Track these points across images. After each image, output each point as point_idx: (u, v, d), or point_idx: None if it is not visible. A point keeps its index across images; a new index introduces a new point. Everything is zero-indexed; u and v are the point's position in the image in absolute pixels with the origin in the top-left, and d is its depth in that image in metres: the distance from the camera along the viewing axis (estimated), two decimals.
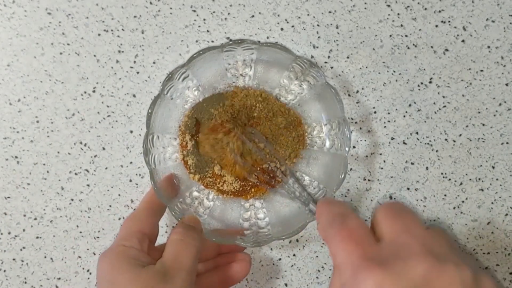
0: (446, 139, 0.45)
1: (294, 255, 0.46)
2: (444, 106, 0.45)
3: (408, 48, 0.44)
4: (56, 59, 0.45)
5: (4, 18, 0.45)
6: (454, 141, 0.45)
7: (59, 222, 0.46)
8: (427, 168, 0.45)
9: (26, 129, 0.46)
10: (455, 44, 0.44)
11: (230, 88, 0.43)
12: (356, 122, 0.45)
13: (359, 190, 0.45)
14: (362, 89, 0.45)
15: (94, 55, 0.45)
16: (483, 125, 0.44)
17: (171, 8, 0.45)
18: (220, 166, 0.42)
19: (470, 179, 0.45)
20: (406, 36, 0.44)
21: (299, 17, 0.45)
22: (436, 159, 0.45)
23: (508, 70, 0.44)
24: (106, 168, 0.46)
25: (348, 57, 0.45)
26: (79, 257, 0.46)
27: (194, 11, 0.45)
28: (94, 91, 0.45)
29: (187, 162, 0.42)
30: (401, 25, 0.44)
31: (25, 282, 0.46)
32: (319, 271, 0.46)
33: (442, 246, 0.26)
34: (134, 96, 0.45)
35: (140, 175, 0.46)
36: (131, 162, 0.46)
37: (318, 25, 0.45)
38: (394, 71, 0.44)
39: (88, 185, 0.46)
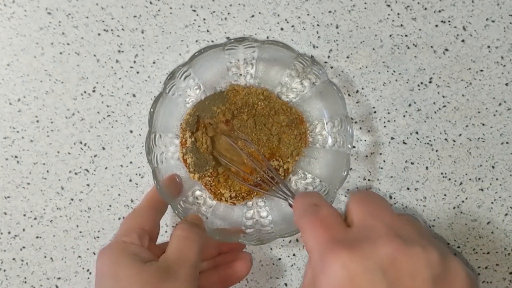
0: (446, 139, 0.45)
1: (294, 255, 0.46)
2: (444, 106, 0.45)
3: (408, 48, 0.44)
4: (56, 59, 0.45)
5: (4, 18, 0.45)
6: (454, 141, 0.45)
7: (59, 222, 0.46)
8: (427, 168, 0.45)
9: (26, 128, 0.46)
10: (455, 44, 0.44)
11: (231, 87, 0.43)
12: (356, 122, 0.45)
13: (359, 190, 0.45)
14: (362, 89, 0.45)
15: (94, 55, 0.45)
16: (483, 125, 0.44)
17: (171, 8, 0.45)
18: (229, 167, 0.42)
19: (470, 179, 0.45)
20: (406, 36, 0.44)
21: (299, 17, 0.45)
22: (436, 159, 0.45)
23: (508, 70, 0.44)
24: (106, 168, 0.46)
25: (348, 57, 0.45)
26: (79, 257, 0.46)
27: (194, 11, 0.45)
28: (94, 91, 0.45)
29: (186, 160, 0.42)
30: (401, 25, 0.44)
31: (25, 282, 0.46)
32: None
33: (410, 230, 0.26)
34: (134, 96, 0.45)
35: (140, 175, 0.46)
36: (131, 162, 0.46)
37: (318, 25, 0.45)
38: (394, 71, 0.44)
39: (88, 185, 0.46)
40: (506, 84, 0.44)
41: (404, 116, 0.45)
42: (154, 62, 0.45)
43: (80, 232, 0.46)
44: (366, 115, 0.45)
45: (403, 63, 0.44)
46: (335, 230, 0.26)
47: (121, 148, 0.46)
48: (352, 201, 0.29)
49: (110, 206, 0.46)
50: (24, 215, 0.46)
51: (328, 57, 0.45)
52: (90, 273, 0.47)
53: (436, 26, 0.44)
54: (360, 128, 0.45)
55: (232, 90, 0.43)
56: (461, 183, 0.45)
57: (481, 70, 0.44)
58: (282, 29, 0.45)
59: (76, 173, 0.46)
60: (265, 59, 0.42)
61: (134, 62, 0.45)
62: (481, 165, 0.45)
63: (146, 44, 0.45)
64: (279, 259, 0.46)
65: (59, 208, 0.46)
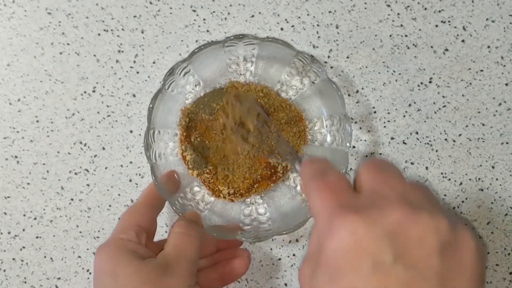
0: (446, 139, 0.45)
1: (294, 255, 0.46)
2: (444, 106, 0.45)
3: (408, 48, 0.44)
4: (56, 59, 0.45)
5: (4, 18, 0.45)
6: (454, 141, 0.45)
7: (59, 222, 0.46)
8: (427, 168, 0.45)
9: (26, 129, 0.46)
10: (455, 44, 0.44)
11: (231, 84, 0.43)
12: (356, 122, 0.45)
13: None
14: (362, 89, 0.45)
15: (94, 55, 0.45)
16: (483, 125, 0.44)
17: (171, 8, 0.45)
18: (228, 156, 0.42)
19: (470, 179, 0.45)
20: (406, 36, 0.44)
21: (299, 17, 0.45)
22: (436, 159, 0.45)
23: (508, 70, 0.44)
24: (106, 168, 0.46)
25: (348, 57, 0.45)
26: (79, 257, 0.46)
27: (194, 11, 0.45)
28: (94, 91, 0.45)
29: (185, 157, 0.42)
30: (401, 25, 0.44)
31: (25, 282, 0.46)
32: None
33: (420, 197, 0.25)
34: (134, 96, 0.45)
35: (140, 175, 0.46)
36: (131, 162, 0.46)
37: (318, 25, 0.45)
38: (394, 71, 0.44)
39: (88, 185, 0.46)
40: (506, 84, 0.44)
41: (404, 116, 0.45)
42: (154, 62, 0.45)
43: (80, 232, 0.46)
44: (366, 115, 0.45)
45: (403, 63, 0.44)
46: (343, 195, 0.26)
47: (121, 148, 0.46)
48: (362, 167, 0.28)
49: (110, 206, 0.46)
50: (24, 215, 0.46)
51: (328, 57, 0.45)
52: (90, 273, 0.47)
53: (436, 26, 0.44)
54: (360, 128, 0.45)
55: (232, 87, 0.43)
56: (461, 183, 0.45)
57: (481, 70, 0.44)
58: (282, 29, 0.45)
59: (76, 173, 0.46)
60: (265, 57, 0.42)
61: (134, 62, 0.45)
62: (481, 165, 0.45)
63: (146, 44, 0.45)
64: (279, 259, 0.46)
65: (59, 208, 0.46)
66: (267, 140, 0.41)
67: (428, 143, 0.45)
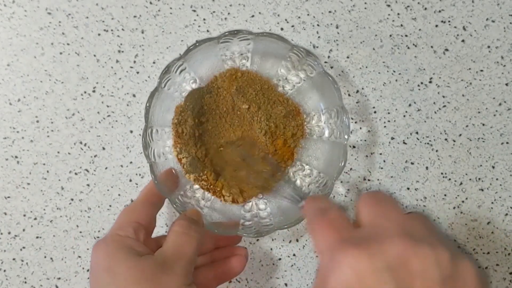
0: (446, 139, 0.45)
1: (294, 255, 0.46)
2: (444, 106, 0.45)
3: (408, 48, 0.44)
4: (56, 59, 0.45)
5: (4, 18, 0.45)
6: (454, 141, 0.45)
7: (59, 222, 0.46)
8: (427, 168, 0.45)
9: (26, 129, 0.46)
10: (455, 44, 0.44)
11: (233, 70, 0.43)
12: (356, 122, 0.45)
13: (359, 190, 0.45)
14: (362, 89, 0.45)
15: (94, 55, 0.45)
16: (483, 125, 0.44)
17: (171, 8, 0.45)
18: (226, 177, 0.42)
19: (470, 179, 0.45)
20: (406, 36, 0.44)
21: (299, 17, 0.45)
22: (436, 159, 0.45)
23: (508, 70, 0.44)
24: (106, 168, 0.46)
25: (348, 57, 0.45)
26: (79, 257, 0.46)
27: (194, 11, 0.45)
28: (94, 91, 0.45)
29: (181, 160, 0.42)
30: (401, 25, 0.44)
31: (25, 282, 0.46)
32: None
33: (420, 229, 0.26)
34: (134, 96, 0.45)
35: (140, 175, 0.46)
36: (131, 162, 0.46)
37: (318, 25, 0.45)
38: (394, 71, 0.44)
39: (88, 185, 0.46)
40: (506, 84, 0.44)
41: (404, 116, 0.45)
42: (154, 62, 0.45)
43: (80, 232, 0.46)
44: (366, 115, 0.45)
45: (403, 63, 0.44)
46: (344, 230, 0.27)
47: (121, 148, 0.46)
48: (360, 201, 0.29)
49: (110, 206, 0.46)
50: (24, 215, 0.46)
51: (328, 57, 0.45)
52: None
53: (436, 26, 0.44)
54: (360, 128, 0.45)
55: (233, 73, 0.43)
56: (461, 183, 0.45)
57: (481, 70, 0.44)
58: (282, 29, 0.45)
59: (76, 173, 0.46)
60: (260, 52, 0.42)
61: (134, 62, 0.45)
62: (481, 165, 0.45)
63: (146, 44, 0.45)
64: (279, 259, 0.46)
65: (59, 208, 0.46)
66: (269, 178, 0.41)
67: (428, 143, 0.45)
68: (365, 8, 0.44)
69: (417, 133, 0.45)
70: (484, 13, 0.44)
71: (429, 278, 0.23)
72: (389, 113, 0.45)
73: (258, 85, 0.42)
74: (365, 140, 0.45)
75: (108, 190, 0.46)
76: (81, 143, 0.46)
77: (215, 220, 0.41)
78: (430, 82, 0.44)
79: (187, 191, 0.42)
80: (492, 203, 0.45)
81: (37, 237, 0.46)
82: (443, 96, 0.44)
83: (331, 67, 0.45)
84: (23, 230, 0.46)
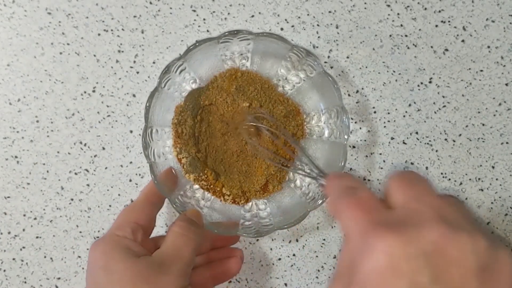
0: (446, 139, 0.45)
1: (294, 255, 0.46)
2: (444, 106, 0.45)
3: (408, 48, 0.44)
4: (56, 59, 0.45)
5: (4, 18, 0.45)
6: (454, 141, 0.45)
7: (59, 222, 0.46)
8: (427, 168, 0.45)
9: (26, 129, 0.46)
10: (455, 44, 0.44)
11: (233, 70, 0.43)
12: (356, 122, 0.45)
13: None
14: (362, 89, 0.45)
15: (94, 55, 0.45)
16: (483, 125, 0.44)
17: (171, 8, 0.45)
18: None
19: (470, 179, 0.45)
20: (406, 36, 0.44)
21: (299, 17, 0.45)
22: (436, 159, 0.45)
23: (508, 70, 0.44)
24: (106, 168, 0.46)
25: (348, 57, 0.45)
26: (79, 257, 0.46)
27: (194, 11, 0.45)
28: (94, 91, 0.45)
29: (181, 160, 0.42)
30: (401, 25, 0.44)
31: (25, 282, 0.46)
32: (318, 271, 0.46)
33: (456, 214, 0.25)
34: (134, 96, 0.45)
35: (140, 175, 0.46)
36: (131, 162, 0.46)
37: (318, 25, 0.45)
38: (394, 71, 0.44)
39: (88, 185, 0.46)
40: (506, 84, 0.44)
41: (404, 116, 0.45)
42: (154, 62, 0.45)
43: (80, 232, 0.46)
44: (366, 115, 0.45)
45: (403, 63, 0.44)
46: (376, 212, 0.25)
47: (121, 148, 0.46)
48: (391, 182, 0.27)
49: (110, 206, 0.46)
50: (24, 215, 0.46)
51: (328, 57, 0.45)
52: None
53: (436, 26, 0.44)
54: (360, 128, 0.45)
55: (233, 73, 0.43)
56: (461, 183, 0.45)
57: (481, 70, 0.44)
58: (282, 29, 0.45)
59: (76, 173, 0.46)
60: (260, 52, 0.42)
61: (134, 62, 0.45)
62: (481, 165, 0.45)
63: (146, 44, 0.45)
64: (279, 259, 0.46)
65: (59, 208, 0.46)
66: (285, 152, 0.41)
67: (428, 143, 0.45)
68: (365, 8, 0.44)
69: (417, 133, 0.45)
70: (484, 13, 0.44)
71: (466, 266, 0.22)
72: (389, 113, 0.45)
73: (258, 85, 0.42)
74: (365, 140, 0.45)
75: (108, 190, 0.46)
76: (81, 143, 0.46)
77: (215, 220, 0.41)
78: (430, 82, 0.44)
79: (187, 191, 0.42)
80: (492, 203, 0.45)
81: (37, 237, 0.46)
82: (443, 96, 0.44)
83: (331, 67, 0.45)
84: (23, 230, 0.46)
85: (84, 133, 0.46)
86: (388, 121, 0.45)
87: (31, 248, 0.46)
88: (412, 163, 0.45)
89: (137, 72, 0.45)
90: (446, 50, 0.44)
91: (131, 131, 0.45)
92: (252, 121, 0.41)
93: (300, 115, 0.43)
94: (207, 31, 0.45)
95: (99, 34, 0.45)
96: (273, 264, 0.46)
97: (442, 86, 0.44)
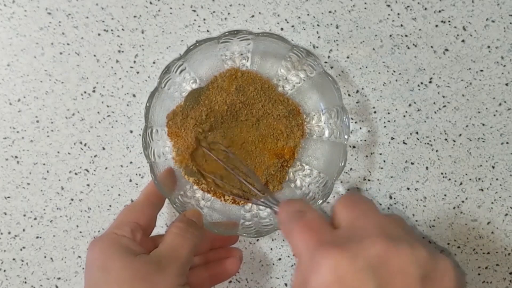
0: (446, 139, 0.45)
1: (294, 255, 0.46)
2: (444, 106, 0.45)
3: (408, 48, 0.44)
4: (56, 59, 0.45)
5: (4, 18, 0.45)
6: (454, 141, 0.45)
7: (59, 222, 0.46)
8: (427, 168, 0.45)
9: (26, 129, 0.46)
10: (455, 44, 0.44)
11: (233, 70, 0.43)
12: (356, 122, 0.45)
13: (359, 190, 0.45)
14: (362, 89, 0.45)
15: (94, 55, 0.45)
16: (483, 125, 0.44)
17: (171, 8, 0.45)
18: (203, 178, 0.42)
19: (470, 179, 0.45)
20: (406, 36, 0.44)
21: (299, 17, 0.45)
22: (436, 159, 0.45)
23: (508, 70, 0.44)
24: (106, 168, 0.46)
25: (348, 57, 0.45)
26: (79, 257, 0.46)
27: (194, 11, 0.45)
28: (94, 91, 0.45)
29: (176, 163, 0.42)
30: (401, 25, 0.44)
31: (25, 282, 0.46)
32: None
33: (397, 229, 0.26)
34: (134, 96, 0.45)
35: (140, 175, 0.46)
36: (131, 162, 0.46)
37: (318, 25, 0.45)
38: (394, 71, 0.44)
39: (88, 185, 0.46)
40: (506, 84, 0.44)
41: (404, 116, 0.45)
42: (154, 62, 0.45)
43: (80, 232, 0.46)
44: (366, 115, 0.45)
45: (403, 63, 0.44)
46: (322, 232, 0.27)
47: (121, 148, 0.46)
48: (338, 203, 0.29)
49: (110, 206, 0.46)
50: (24, 215, 0.46)
51: (328, 57, 0.45)
52: None
53: (436, 26, 0.44)
54: (360, 128, 0.45)
55: (233, 73, 0.43)
56: (461, 183, 0.45)
57: (481, 70, 0.44)
58: (282, 29, 0.45)
59: (76, 173, 0.46)
60: (260, 52, 0.42)
61: (134, 62, 0.45)
62: (481, 165, 0.45)
63: (146, 44, 0.45)
64: (279, 259, 0.46)
65: (59, 208, 0.46)
66: (238, 182, 0.41)
67: (428, 143, 0.45)
68: (365, 8, 0.44)
69: (417, 133, 0.45)
70: (484, 13, 0.44)
71: (409, 275, 0.23)
72: (389, 113, 0.45)
73: (258, 85, 0.42)
74: (365, 140, 0.45)
75: (108, 190, 0.46)
76: (81, 143, 0.46)
77: (215, 220, 0.41)
78: (430, 82, 0.44)
79: (187, 191, 0.42)
80: (492, 203, 0.45)
81: (37, 237, 0.46)
82: (443, 96, 0.44)
83: (331, 67, 0.45)
84: (23, 230, 0.46)
85: (84, 133, 0.46)
86: (388, 121, 0.45)
87: (31, 248, 0.46)
88: (412, 163, 0.45)
89: (137, 72, 0.45)
90: (446, 50, 0.44)
91: (131, 131, 0.45)
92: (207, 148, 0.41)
93: (300, 115, 0.43)
94: (207, 31, 0.45)
95: (99, 34, 0.45)
96: (273, 264, 0.46)
97: (442, 86, 0.44)
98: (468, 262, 0.45)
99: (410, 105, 0.45)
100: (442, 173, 0.45)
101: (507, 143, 0.44)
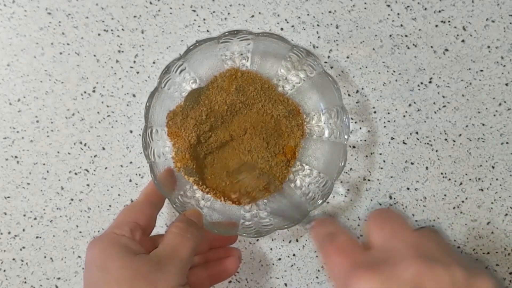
0: (446, 139, 0.45)
1: (294, 255, 0.46)
2: (444, 106, 0.45)
3: (408, 48, 0.44)
4: (56, 59, 0.45)
5: (4, 18, 0.45)
6: (454, 141, 0.45)
7: (59, 222, 0.46)
8: (427, 168, 0.45)
9: (26, 129, 0.46)
10: (455, 44, 0.44)
11: (233, 70, 0.43)
12: (356, 122, 0.45)
13: (359, 190, 0.45)
14: (362, 89, 0.45)
15: (94, 55, 0.45)
16: (483, 125, 0.44)
17: (171, 8, 0.45)
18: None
19: (470, 179, 0.45)
20: (406, 36, 0.44)
21: (299, 17, 0.45)
22: (436, 159, 0.45)
23: (508, 70, 0.44)
24: (106, 168, 0.46)
25: (348, 57, 0.45)
26: (79, 257, 0.46)
27: (194, 11, 0.45)
28: (94, 91, 0.45)
29: (177, 164, 0.42)
30: (401, 25, 0.44)
31: (25, 282, 0.46)
32: (319, 271, 0.46)
33: (432, 247, 0.26)
34: (134, 96, 0.45)
35: (140, 175, 0.46)
36: (131, 162, 0.46)
37: (318, 25, 0.45)
38: (394, 71, 0.44)
39: (88, 185, 0.46)
40: (506, 84, 0.44)
41: (404, 116, 0.45)
42: (154, 62, 0.45)
43: (80, 232, 0.46)
44: (366, 115, 0.45)
45: (403, 63, 0.44)
46: (355, 255, 0.27)
47: (121, 148, 0.46)
48: (368, 222, 0.29)
49: (110, 206, 0.46)
50: (24, 215, 0.46)
51: (328, 57, 0.45)
52: None
53: (436, 26, 0.44)
54: (360, 128, 0.45)
55: (233, 73, 0.43)
56: (461, 183, 0.45)
57: (481, 70, 0.44)
58: (282, 29, 0.45)
59: (76, 173, 0.46)
60: (260, 52, 0.42)
61: (134, 62, 0.45)
62: (481, 165, 0.45)
63: (146, 44, 0.45)
64: (279, 259, 0.46)
65: (59, 208, 0.46)
66: (274, 200, 0.41)
67: (428, 143, 0.45)
68: (365, 8, 0.44)
69: (417, 133, 0.45)
70: (484, 13, 0.44)
71: None
72: (389, 113, 0.45)
73: (258, 85, 0.42)
74: (365, 140, 0.45)
75: (108, 190, 0.46)
76: (81, 143, 0.46)
77: (215, 220, 0.41)
78: (430, 82, 0.44)
79: (187, 191, 0.42)
80: (492, 203, 0.45)
81: (37, 237, 0.46)
82: (443, 96, 0.44)
83: (331, 67, 0.45)
84: (23, 230, 0.46)
85: (84, 133, 0.46)
86: (388, 121, 0.45)
87: (31, 248, 0.46)
88: (412, 163, 0.45)
89: (137, 72, 0.45)
90: (446, 50, 0.44)
91: (131, 131, 0.45)
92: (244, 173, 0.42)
93: (300, 115, 0.43)
94: (207, 31, 0.45)
95: (99, 34, 0.45)
96: (273, 264, 0.46)
97: (442, 86, 0.44)
98: (496, 276, 0.45)
99: (410, 105, 0.45)
100: (442, 173, 0.45)
101: (507, 143, 0.44)
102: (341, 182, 0.45)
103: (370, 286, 0.23)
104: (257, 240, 0.46)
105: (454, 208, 0.45)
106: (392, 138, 0.45)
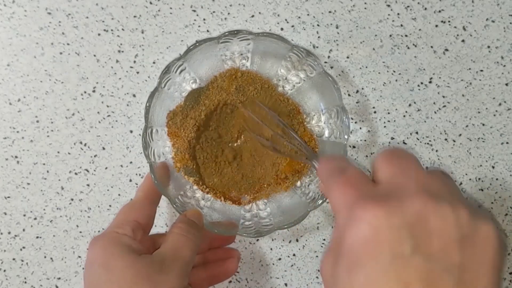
0: (446, 139, 0.45)
1: (294, 255, 0.46)
2: (444, 106, 0.45)
3: (408, 48, 0.44)
4: (56, 59, 0.45)
5: (4, 18, 0.45)
6: (454, 141, 0.45)
7: (59, 222, 0.46)
8: (427, 168, 0.45)
9: (26, 129, 0.46)
10: (455, 44, 0.44)
11: (233, 70, 0.43)
12: (356, 122, 0.45)
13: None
14: (362, 89, 0.45)
15: (94, 55, 0.45)
16: (483, 125, 0.44)
17: (171, 8, 0.45)
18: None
19: (470, 179, 0.45)
20: (406, 36, 0.44)
21: (299, 17, 0.45)
22: (436, 159, 0.45)
23: (508, 70, 0.44)
24: (106, 168, 0.46)
25: (348, 57, 0.45)
26: (79, 257, 0.46)
27: (194, 11, 0.45)
28: (94, 91, 0.45)
29: (176, 164, 0.42)
30: (401, 25, 0.44)
31: (25, 282, 0.46)
32: (319, 271, 0.46)
33: (440, 187, 0.25)
34: (134, 96, 0.45)
35: (140, 175, 0.46)
36: (131, 162, 0.46)
37: (318, 25, 0.45)
38: (394, 71, 0.44)
39: (88, 185, 0.46)
40: (506, 84, 0.44)
41: (404, 116, 0.45)
42: (154, 62, 0.45)
43: (80, 232, 0.46)
44: (366, 115, 0.45)
45: (403, 63, 0.44)
46: (363, 187, 0.26)
47: (121, 148, 0.46)
48: (379, 158, 0.28)
49: (110, 206, 0.46)
50: (24, 215, 0.46)
51: (328, 57, 0.45)
52: None
53: (436, 26, 0.44)
54: (360, 128, 0.45)
55: (233, 73, 0.43)
56: (461, 183, 0.45)
57: (481, 70, 0.44)
58: (282, 29, 0.45)
59: (76, 173, 0.46)
60: (260, 52, 0.42)
61: (134, 62, 0.45)
62: (481, 165, 0.45)
63: (146, 44, 0.45)
64: (279, 259, 0.46)
65: (59, 208, 0.46)
66: (282, 141, 0.41)
67: (428, 143, 0.45)
68: (365, 8, 0.44)
69: (417, 133, 0.45)
70: (484, 13, 0.44)
71: (447, 237, 0.22)
72: (389, 113, 0.45)
73: (258, 85, 0.42)
74: (365, 140, 0.45)
75: (108, 190, 0.46)
76: (81, 143, 0.46)
77: (215, 220, 0.41)
78: (430, 82, 0.44)
79: (187, 191, 0.42)
80: (492, 203, 0.45)
81: (37, 237, 0.46)
82: (443, 96, 0.44)
83: (331, 67, 0.45)
84: (23, 230, 0.46)
85: (84, 133, 0.46)
86: (388, 121, 0.45)
87: (31, 248, 0.46)
88: None
89: (137, 72, 0.45)
90: (446, 50, 0.44)
91: (131, 131, 0.45)
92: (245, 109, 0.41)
93: (300, 115, 0.43)
94: (207, 31, 0.45)
95: (99, 34, 0.45)
96: (273, 264, 0.46)
97: (442, 86, 0.44)
98: (498, 223, 0.45)
99: (410, 105, 0.45)
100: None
101: (507, 143, 0.44)
102: None
103: (373, 216, 0.23)
104: (257, 240, 0.46)
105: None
106: (392, 138, 0.45)
